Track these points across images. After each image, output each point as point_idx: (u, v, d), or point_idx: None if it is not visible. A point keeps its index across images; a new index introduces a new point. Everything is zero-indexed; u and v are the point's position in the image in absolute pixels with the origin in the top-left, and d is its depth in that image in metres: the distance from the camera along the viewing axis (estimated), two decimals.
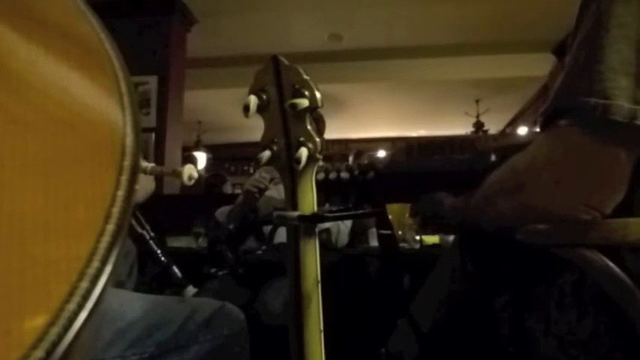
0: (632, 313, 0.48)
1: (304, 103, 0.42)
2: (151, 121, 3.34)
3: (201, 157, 6.17)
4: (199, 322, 0.74)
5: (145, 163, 0.62)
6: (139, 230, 0.76)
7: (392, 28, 4.03)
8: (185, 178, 0.56)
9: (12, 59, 0.23)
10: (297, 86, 0.42)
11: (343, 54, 4.46)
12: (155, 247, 0.76)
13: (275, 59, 0.43)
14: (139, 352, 0.66)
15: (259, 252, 1.68)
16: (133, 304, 0.72)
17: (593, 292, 0.54)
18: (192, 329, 0.72)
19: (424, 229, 1.77)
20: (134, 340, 0.67)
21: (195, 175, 0.57)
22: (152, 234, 0.77)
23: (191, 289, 0.73)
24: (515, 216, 0.58)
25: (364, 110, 5.86)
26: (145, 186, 0.79)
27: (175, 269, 0.74)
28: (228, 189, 3.76)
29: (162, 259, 0.75)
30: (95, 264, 0.19)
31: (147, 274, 1.37)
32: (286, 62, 0.43)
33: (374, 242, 1.93)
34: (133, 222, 0.75)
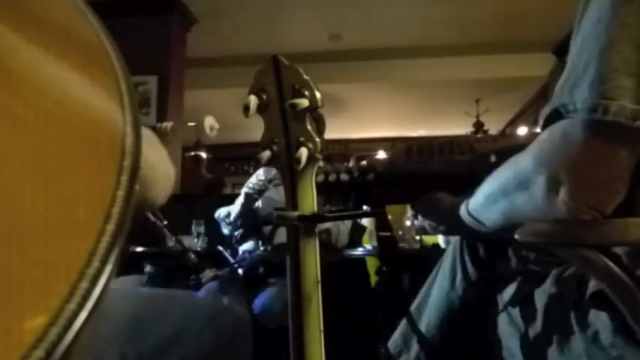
0: (632, 314, 0.48)
1: (304, 103, 0.42)
2: (150, 121, 3.33)
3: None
4: (201, 319, 0.74)
5: (162, 124, 0.60)
6: (152, 219, 0.76)
7: (392, 28, 4.02)
8: (207, 128, 0.55)
9: (12, 59, 0.23)
10: (297, 86, 0.42)
11: (343, 54, 4.46)
12: (169, 234, 0.76)
13: (275, 59, 0.43)
14: (139, 349, 0.66)
15: (259, 252, 1.68)
16: (133, 302, 0.72)
17: (593, 292, 0.54)
18: (193, 327, 0.72)
19: (424, 230, 1.78)
20: (134, 337, 0.67)
21: (217, 125, 0.57)
22: (165, 222, 0.77)
23: (207, 274, 0.73)
24: (515, 216, 0.58)
25: (364, 110, 5.86)
26: (166, 185, 0.75)
27: (191, 255, 0.74)
28: (225, 191, 3.77)
29: (177, 245, 0.76)
30: (95, 264, 0.19)
31: (147, 274, 1.36)
32: (286, 62, 0.43)
33: (374, 242, 1.94)
34: (150, 215, 0.74)
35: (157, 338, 0.68)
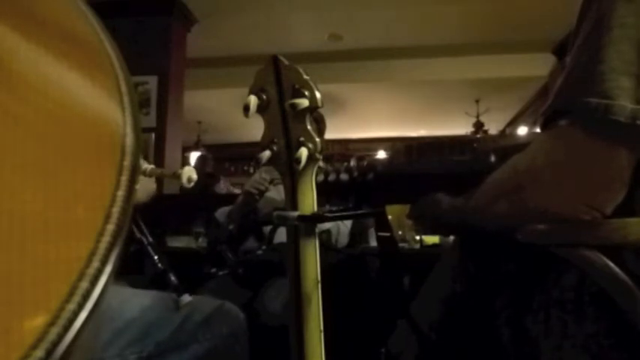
0: (632, 314, 0.48)
1: (304, 103, 0.42)
2: (151, 121, 3.34)
3: None
4: (198, 321, 0.74)
5: (144, 165, 0.62)
6: (138, 235, 0.76)
7: (392, 28, 4.03)
8: (184, 179, 0.56)
9: (12, 59, 0.23)
10: (297, 86, 0.42)
11: (343, 54, 4.46)
12: (152, 253, 0.76)
13: (275, 59, 0.43)
14: (137, 350, 0.66)
15: (259, 252, 1.68)
16: (132, 303, 0.72)
17: (593, 292, 0.54)
18: (191, 328, 0.72)
19: (423, 230, 1.78)
20: (133, 339, 0.67)
21: (195, 177, 0.57)
22: (151, 239, 0.77)
23: (186, 297, 0.73)
24: (516, 216, 0.58)
25: (364, 110, 5.86)
26: (146, 186, 0.79)
27: (172, 276, 0.73)
28: (221, 188, 3.76)
29: (159, 265, 0.75)
30: (95, 264, 0.19)
31: (147, 274, 1.37)
32: (286, 62, 0.43)
33: (374, 242, 1.94)
34: (133, 227, 0.75)
35: (156, 342, 0.68)
